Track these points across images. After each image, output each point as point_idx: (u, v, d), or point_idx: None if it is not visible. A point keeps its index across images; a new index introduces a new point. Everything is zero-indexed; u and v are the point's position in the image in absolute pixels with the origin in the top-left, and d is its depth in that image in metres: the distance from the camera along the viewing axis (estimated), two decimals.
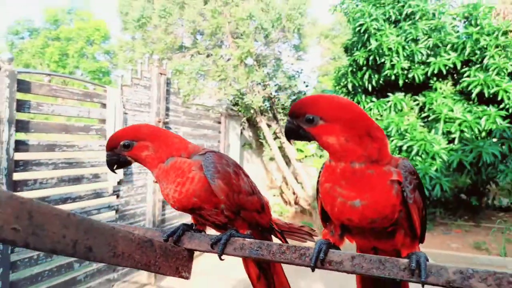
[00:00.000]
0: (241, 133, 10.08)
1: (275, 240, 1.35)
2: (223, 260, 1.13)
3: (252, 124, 10.25)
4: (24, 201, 0.61)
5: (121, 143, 1.27)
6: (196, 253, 4.77)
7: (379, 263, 0.91)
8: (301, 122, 1.03)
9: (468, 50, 8.10)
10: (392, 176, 1.00)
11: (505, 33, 8.15)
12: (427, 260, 0.92)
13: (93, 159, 4.73)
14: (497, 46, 8.07)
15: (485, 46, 8.05)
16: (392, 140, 8.15)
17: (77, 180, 4.42)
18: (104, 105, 4.96)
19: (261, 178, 11.74)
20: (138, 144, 1.27)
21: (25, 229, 0.61)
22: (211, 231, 1.30)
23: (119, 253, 0.85)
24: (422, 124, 8.50)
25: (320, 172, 1.10)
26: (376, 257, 0.93)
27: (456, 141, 7.92)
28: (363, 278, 1.29)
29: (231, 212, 1.25)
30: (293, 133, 1.05)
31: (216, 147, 7.83)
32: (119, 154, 1.29)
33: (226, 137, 8.27)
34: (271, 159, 10.28)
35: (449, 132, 8.07)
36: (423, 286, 0.88)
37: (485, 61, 8.06)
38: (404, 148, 7.90)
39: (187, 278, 1.17)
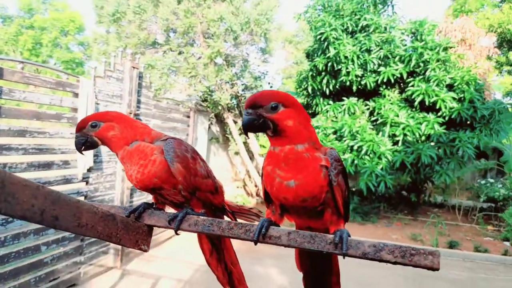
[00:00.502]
0: (209, 127, 10.06)
1: (227, 219, 1.43)
2: (178, 234, 1.20)
3: (220, 119, 10.25)
4: None
5: (89, 123, 1.30)
6: (161, 238, 4.75)
7: (310, 237, 1.01)
8: (264, 111, 1.10)
9: (413, 62, 8.51)
10: (321, 161, 1.11)
11: (445, 49, 8.63)
12: (349, 235, 1.03)
13: (63, 146, 4.58)
14: (438, 60, 8.53)
15: (428, 60, 8.49)
16: (345, 140, 8.44)
17: (47, 166, 4.27)
18: (76, 95, 4.81)
19: (226, 171, 11.77)
20: (105, 125, 1.30)
21: None
22: (170, 210, 1.35)
23: (83, 224, 0.89)
24: (371, 127, 8.84)
25: (264, 158, 1.19)
26: (308, 233, 1.02)
27: (399, 143, 8.31)
28: (300, 254, 1.40)
29: (187, 192, 1.31)
30: (253, 124, 1.11)
31: (184, 139, 7.75)
32: (87, 134, 1.31)
33: (195, 130, 8.24)
34: (236, 153, 10.34)
35: (394, 135, 8.45)
36: (344, 257, 0.98)
37: (427, 73, 8.51)
38: (355, 147, 8.20)
39: (145, 250, 1.22)
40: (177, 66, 8.35)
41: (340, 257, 1.07)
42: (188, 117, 7.97)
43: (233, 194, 9.81)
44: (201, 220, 1.14)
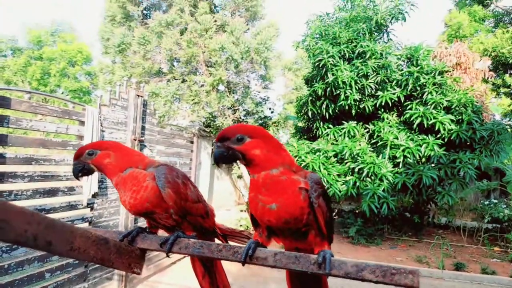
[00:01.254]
0: (212, 152, 10.14)
1: (217, 242, 1.45)
2: (170, 257, 1.22)
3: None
4: None
5: (86, 151, 1.35)
6: (165, 263, 4.70)
7: (295, 258, 1.03)
8: (231, 143, 1.19)
9: (410, 86, 8.61)
10: (300, 184, 1.16)
11: (441, 73, 8.74)
12: (332, 256, 1.05)
13: (69, 172, 4.60)
14: (434, 84, 8.62)
15: (424, 84, 8.58)
16: (346, 163, 8.43)
17: (52, 192, 4.28)
18: (82, 123, 4.89)
19: (229, 194, 11.73)
20: (101, 153, 1.36)
21: None
22: (163, 234, 1.38)
23: (75, 248, 0.92)
24: (372, 149, 8.84)
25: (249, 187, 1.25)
26: (293, 254, 1.05)
27: (400, 165, 8.28)
28: (290, 274, 1.41)
29: (178, 216, 1.34)
30: (223, 156, 1.19)
31: (188, 164, 7.82)
32: (84, 162, 1.36)
33: (198, 155, 8.30)
34: (239, 177, 10.35)
35: (395, 157, 8.44)
36: (327, 277, 1.00)
37: (424, 96, 8.59)
38: (356, 170, 8.18)
39: (138, 273, 1.23)
40: (181, 94, 8.52)
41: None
42: (192, 142, 8.05)
43: (236, 218, 9.74)
44: (191, 243, 1.16)
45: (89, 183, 4.81)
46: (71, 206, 4.61)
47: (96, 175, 4.90)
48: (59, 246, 0.86)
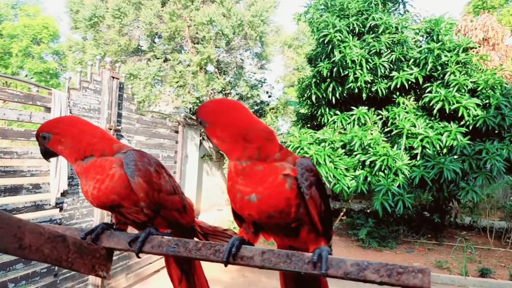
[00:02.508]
0: (200, 143, 10.11)
1: (196, 240, 1.44)
2: (140, 258, 1.21)
3: None
4: None
5: (40, 134, 1.34)
6: (147, 272, 4.69)
7: (286, 257, 1.02)
8: (200, 125, 1.19)
9: (429, 65, 8.58)
10: (284, 170, 1.12)
11: (465, 50, 8.71)
12: (330, 253, 1.03)
13: (34, 167, 4.58)
14: (457, 63, 8.60)
15: (446, 62, 8.56)
16: (356, 155, 8.44)
17: (14, 190, 4.25)
18: (48, 109, 4.85)
19: (221, 192, 11.75)
20: (53, 138, 1.33)
21: None
22: (134, 231, 1.36)
23: (25, 246, 0.90)
24: (385, 138, 8.86)
25: None
26: (284, 252, 1.03)
27: (418, 157, 8.31)
28: (284, 277, 1.40)
29: (150, 210, 1.33)
30: (203, 137, 1.19)
31: (172, 158, 7.81)
32: (43, 145, 1.36)
33: (184, 147, 8.27)
34: None
35: (412, 148, 8.45)
36: (324, 277, 0.99)
37: (446, 77, 8.57)
38: (367, 163, 8.20)
39: (104, 277, 1.22)
40: (163, 75, 8.46)
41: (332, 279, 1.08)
42: (177, 132, 8.02)
43: (229, 219, 9.76)
44: (165, 241, 1.15)
45: (58, 179, 4.79)
46: (37, 206, 4.58)
47: (65, 170, 4.88)
48: (4, 242, 0.84)
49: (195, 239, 1.46)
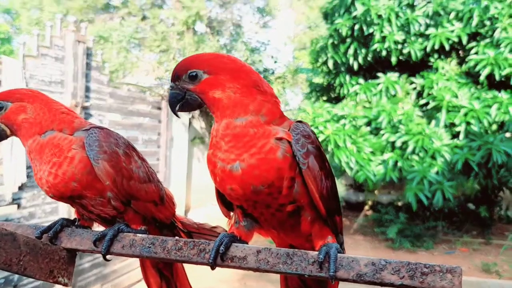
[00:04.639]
0: (190, 123, 10.12)
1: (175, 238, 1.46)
2: (108, 260, 1.22)
3: (205, 111, 10.32)
4: None
5: None
6: (125, 282, 4.75)
7: (286, 257, 1.03)
8: (184, 83, 1.18)
9: (475, 20, 8.48)
10: (277, 133, 1.13)
11: None
12: (340, 252, 1.04)
13: None
14: (510, 16, 8.49)
15: (496, 16, 8.45)
16: (383, 134, 8.43)
17: None
18: None
19: None
20: (14, 106, 1.34)
21: None
22: (101, 229, 1.38)
23: None
24: (420, 113, 8.82)
25: None
26: (284, 250, 1.04)
27: (461, 136, 8.27)
28: (286, 284, 1.42)
29: (119, 202, 1.33)
30: (178, 100, 1.20)
31: (155, 141, 7.83)
32: None
33: (169, 128, 8.28)
34: None
35: (453, 124, 8.41)
36: (332, 281, 1.00)
37: (496, 35, 8.47)
38: (398, 144, 8.18)
39: (65, 284, 1.24)
40: (141, 38, 8.41)
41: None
42: (159, 108, 8.03)
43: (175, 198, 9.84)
44: (138, 240, 1.16)
45: (13, 169, 4.82)
46: None
47: (22, 158, 4.90)
48: None
49: (176, 237, 1.48)
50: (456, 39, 8.67)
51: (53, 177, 1.27)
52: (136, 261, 6.46)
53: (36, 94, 1.40)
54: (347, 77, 9.65)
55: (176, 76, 1.19)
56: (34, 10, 9.84)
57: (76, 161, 1.27)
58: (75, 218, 1.43)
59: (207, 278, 4.88)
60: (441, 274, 0.92)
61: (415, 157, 8.14)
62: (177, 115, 1.29)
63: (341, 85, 9.82)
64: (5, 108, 1.34)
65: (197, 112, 10.28)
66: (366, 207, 11.12)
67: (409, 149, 8.03)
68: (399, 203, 10.86)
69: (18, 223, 1.28)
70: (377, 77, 9.20)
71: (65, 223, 1.32)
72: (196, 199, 10.78)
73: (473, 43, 8.78)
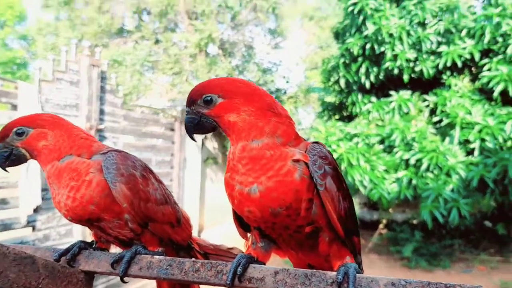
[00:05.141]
0: (203, 143, 10.16)
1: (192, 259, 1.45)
2: (126, 282, 1.22)
3: (218, 132, 10.35)
4: None
5: (14, 129, 1.36)
6: None
7: (304, 277, 1.02)
8: (199, 107, 1.20)
9: (487, 37, 8.46)
10: (294, 155, 1.14)
11: None
12: (358, 272, 1.03)
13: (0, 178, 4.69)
14: None
15: (508, 32, 8.42)
16: (397, 152, 8.38)
17: None
18: (15, 107, 4.95)
19: (230, 203, 11.79)
20: (35, 132, 1.37)
21: None
22: (118, 251, 1.38)
23: None
24: (434, 131, 8.76)
25: None
26: (302, 271, 1.04)
27: (476, 153, 8.18)
28: None
29: (136, 224, 1.34)
30: (194, 124, 1.22)
31: (168, 162, 7.88)
32: (12, 145, 1.37)
33: (182, 149, 8.33)
34: None
35: (467, 141, 8.33)
36: None
37: (508, 51, 8.43)
38: (412, 161, 8.12)
39: None
40: (154, 61, 8.51)
41: None
42: (173, 130, 8.09)
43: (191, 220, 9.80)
44: (156, 261, 1.17)
45: (28, 192, 4.86)
46: (5, 226, 4.67)
47: (38, 181, 4.95)
48: None
49: (193, 259, 1.48)
50: (468, 56, 8.65)
51: (72, 200, 1.29)
52: (150, 283, 6.45)
53: (56, 120, 1.43)
54: (359, 96, 9.65)
55: (191, 101, 1.22)
56: (50, 35, 10.01)
57: (94, 184, 1.29)
58: (93, 241, 1.44)
59: None
60: None
61: (429, 174, 8.07)
62: (193, 139, 1.31)
63: (353, 104, 9.82)
64: (27, 134, 1.37)
65: (210, 133, 10.33)
66: (381, 226, 11.00)
67: (424, 167, 7.96)
68: (414, 221, 10.74)
69: (36, 246, 1.30)
70: (389, 95, 9.18)
71: (83, 246, 1.33)
72: (210, 219, 10.76)
73: (486, 60, 8.75)
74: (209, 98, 1.18)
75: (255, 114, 1.16)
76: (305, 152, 1.16)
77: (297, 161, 1.13)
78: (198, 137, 9.58)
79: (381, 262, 9.23)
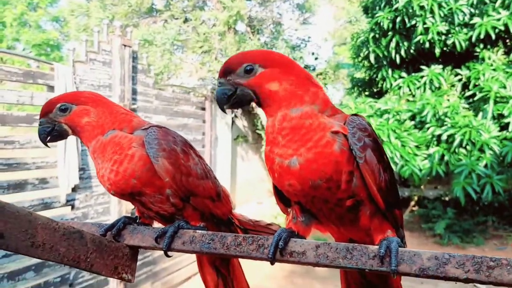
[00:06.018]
0: (233, 122, 10.18)
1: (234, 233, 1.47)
2: (170, 256, 1.25)
3: (247, 110, 10.36)
4: None
5: (58, 105, 1.39)
6: (177, 279, 4.82)
7: (346, 251, 1.02)
8: (238, 77, 1.19)
9: None
10: (333, 127, 1.13)
11: None
12: (400, 246, 1.03)
13: (39, 159, 4.76)
14: None
15: None
16: (428, 128, 8.25)
17: (18, 186, 4.42)
18: (51, 88, 5.01)
19: (260, 181, 11.83)
20: (78, 108, 1.39)
21: None
22: (160, 226, 1.41)
23: (38, 244, 0.95)
24: (467, 105, 8.58)
25: None
26: (343, 245, 1.04)
27: (510, 128, 7.99)
28: (346, 278, 1.41)
29: (178, 198, 1.36)
30: (228, 96, 1.20)
31: (200, 141, 7.93)
32: (54, 121, 1.40)
33: (213, 127, 8.36)
34: None
35: (502, 116, 8.13)
36: (394, 275, 0.99)
37: None
38: (444, 137, 7.98)
39: (129, 280, 1.27)
40: (184, 40, 8.52)
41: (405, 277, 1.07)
42: (203, 109, 8.11)
43: (272, 213, 9.85)
44: (198, 236, 1.18)
45: (67, 172, 4.94)
46: (45, 205, 4.76)
47: (75, 160, 5.03)
48: (14, 240, 0.90)
49: (235, 233, 1.50)
50: (502, 28, 8.37)
51: (114, 174, 1.31)
52: (185, 259, 6.58)
53: (99, 98, 1.45)
54: (390, 71, 9.49)
55: (228, 71, 1.20)
56: (82, 17, 10.13)
57: (136, 158, 1.32)
58: (136, 216, 1.47)
59: (256, 275, 4.91)
60: (508, 267, 0.89)
61: (462, 150, 7.92)
62: (225, 111, 1.29)
63: (383, 79, 9.68)
64: (70, 110, 1.40)
65: (239, 111, 10.34)
66: (412, 203, 10.90)
67: (456, 142, 7.81)
68: (447, 198, 10.60)
69: (82, 222, 1.33)
70: (420, 70, 9.01)
71: (127, 221, 1.36)
72: (241, 198, 10.84)
73: None
74: (250, 68, 1.17)
75: (296, 83, 1.17)
76: (344, 124, 1.15)
77: (336, 132, 1.12)
78: (228, 115, 9.62)
79: (412, 239, 9.18)
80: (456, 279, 0.93)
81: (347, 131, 1.13)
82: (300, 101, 1.16)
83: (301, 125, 1.13)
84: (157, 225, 1.47)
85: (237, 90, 1.19)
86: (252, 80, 1.18)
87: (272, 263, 1.11)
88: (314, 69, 10.81)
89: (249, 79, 1.18)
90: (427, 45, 8.66)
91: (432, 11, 8.32)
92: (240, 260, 1.51)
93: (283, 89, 1.16)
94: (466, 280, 0.92)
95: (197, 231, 1.22)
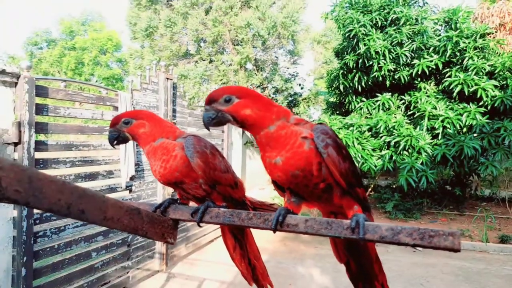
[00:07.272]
0: (243, 132, 10.16)
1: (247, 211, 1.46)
2: (201, 227, 1.24)
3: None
4: (25, 169, 0.70)
5: (123, 119, 1.40)
6: (203, 241, 4.81)
7: (327, 224, 1.01)
8: (219, 104, 1.17)
9: (449, 52, 8.14)
10: (302, 133, 1.14)
11: (482, 35, 8.18)
12: (366, 220, 1.01)
13: (107, 157, 4.78)
14: (475, 48, 8.10)
15: (464, 48, 8.08)
16: (381, 136, 8.21)
17: (92, 176, 4.45)
18: (116, 108, 5.03)
19: (263, 173, 11.81)
20: (137, 122, 1.40)
21: (26, 191, 0.70)
22: (195, 206, 1.40)
23: (109, 217, 0.95)
24: (408, 121, 8.55)
25: None
26: (325, 219, 1.02)
27: (439, 136, 7.96)
28: (335, 245, 1.40)
29: (208, 186, 1.37)
30: (212, 118, 1.19)
31: (220, 145, 7.91)
32: (120, 130, 1.41)
33: (229, 135, 8.35)
34: None
35: (433, 128, 8.10)
36: (362, 241, 0.97)
37: (464, 62, 8.10)
38: (392, 143, 7.95)
39: (171, 243, 1.28)
40: (209, 75, 8.54)
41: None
42: None
43: (270, 196, 9.82)
44: (221, 212, 1.18)
45: (126, 166, 4.96)
46: (111, 189, 4.79)
47: (132, 158, 5.04)
48: (92, 214, 0.89)
49: (247, 211, 1.48)
50: (434, 66, 8.36)
51: (163, 169, 1.32)
52: (209, 228, 6.56)
53: (151, 115, 1.46)
54: (354, 97, 9.47)
55: (211, 100, 1.19)
56: (137, 59, 10.18)
57: (178, 158, 1.32)
58: (177, 198, 1.46)
59: (259, 240, 4.88)
60: (444, 236, 0.88)
61: (405, 152, 7.89)
62: (208, 130, 1.30)
63: (349, 103, 9.65)
64: (131, 123, 1.40)
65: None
66: (370, 189, 10.84)
67: (401, 147, 7.78)
68: (394, 186, 10.54)
69: (139, 202, 1.32)
70: (376, 96, 8.99)
71: (171, 201, 1.36)
72: (248, 185, 10.81)
73: (447, 69, 8.44)
74: (228, 98, 1.16)
75: (263, 108, 1.16)
76: (311, 131, 1.16)
77: (305, 138, 1.13)
78: (238, 128, 9.60)
79: None
80: (406, 244, 0.91)
81: (313, 136, 1.13)
82: (270, 120, 1.15)
83: (279, 136, 1.13)
84: (192, 204, 1.46)
85: (218, 114, 1.18)
86: (230, 108, 1.16)
87: (274, 232, 1.11)
88: (300, 95, 10.80)
89: (228, 107, 1.16)
90: (380, 79, 8.65)
91: (384, 55, 8.31)
92: (251, 229, 1.50)
93: (254, 113, 1.14)
94: (414, 245, 0.90)
95: (221, 209, 1.22)
